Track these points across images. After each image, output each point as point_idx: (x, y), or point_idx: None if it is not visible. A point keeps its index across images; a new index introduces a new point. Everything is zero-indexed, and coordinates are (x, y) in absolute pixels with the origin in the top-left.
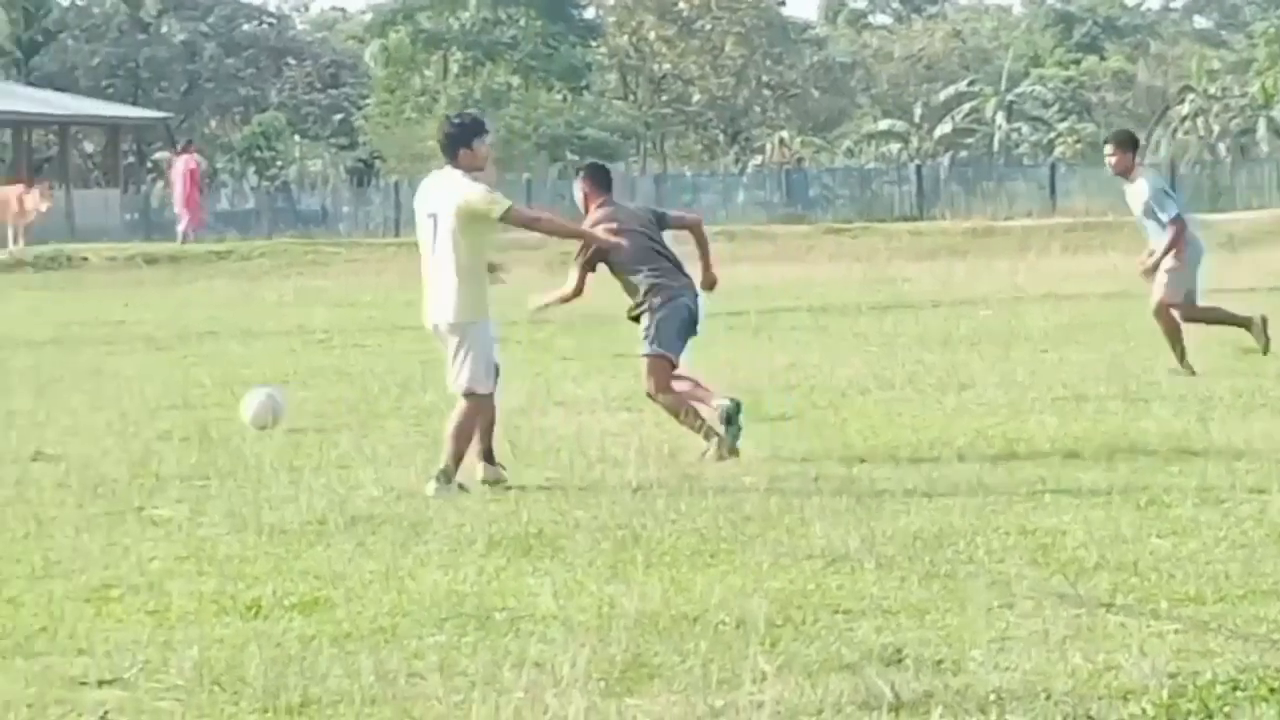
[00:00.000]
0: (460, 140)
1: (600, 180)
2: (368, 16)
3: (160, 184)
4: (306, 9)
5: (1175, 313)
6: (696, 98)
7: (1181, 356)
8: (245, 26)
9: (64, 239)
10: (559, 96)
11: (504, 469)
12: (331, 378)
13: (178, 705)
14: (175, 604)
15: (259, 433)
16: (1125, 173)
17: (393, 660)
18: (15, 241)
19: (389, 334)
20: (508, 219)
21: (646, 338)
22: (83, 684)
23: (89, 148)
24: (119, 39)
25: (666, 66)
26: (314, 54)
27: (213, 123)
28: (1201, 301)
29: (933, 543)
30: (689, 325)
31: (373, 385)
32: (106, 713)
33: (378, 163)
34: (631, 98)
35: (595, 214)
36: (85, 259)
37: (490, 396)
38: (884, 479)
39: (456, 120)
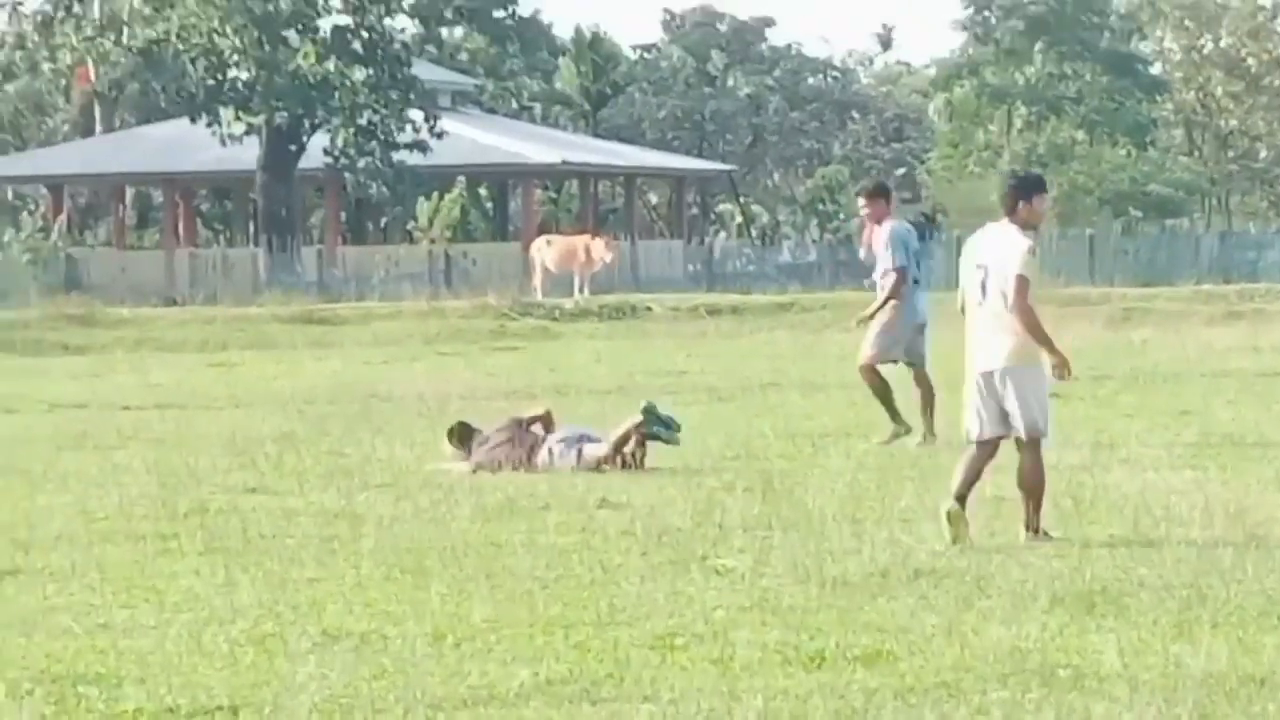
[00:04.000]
0: (1021, 194)
1: None
2: (932, 71)
3: (721, 234)
4: (871, 63)
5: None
6: (1264, 154)
7: (894, 415)
8: (810, 80)
9: (628, 289)
10: (1123, 152)
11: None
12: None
13: None
14: (739, 654)
15: (820, 485)
16: (880, 220)
17: (957, 715)
18: (581, 290)
19: (952, 388)
20: (1023, 308)
21: None
22: None
23: (654, 199)
24: (685, 92)
25: (1233, 123)
26: (878, 108)
27: (776, 175)
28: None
29: None
30: None
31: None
32: None
33: (940, 217)
34: (1197, 154)
35: None
36: (649, 309)
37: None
38: None
39: (1021, 175)
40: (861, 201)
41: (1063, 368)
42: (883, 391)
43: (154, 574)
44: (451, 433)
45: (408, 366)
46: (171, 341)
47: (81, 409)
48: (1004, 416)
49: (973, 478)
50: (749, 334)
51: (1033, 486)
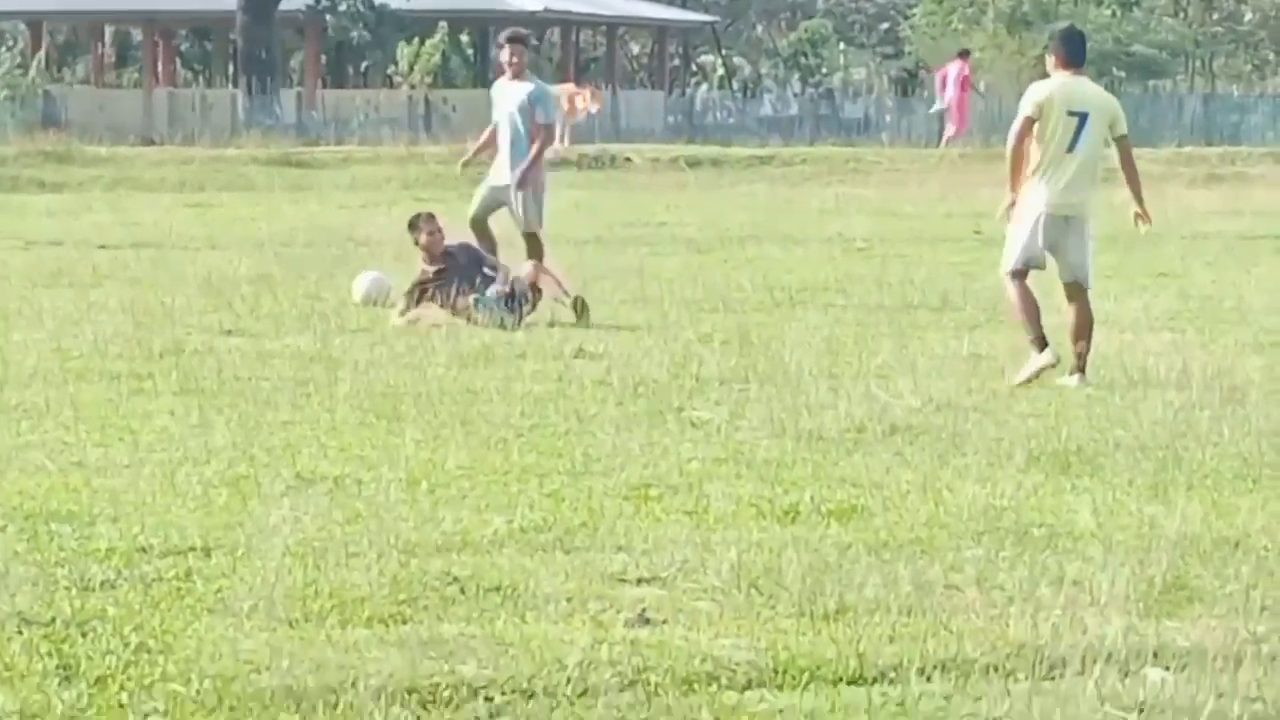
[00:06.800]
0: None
1: None
2: None
3: (703, 86)
4: None
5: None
6: (1249, 16)
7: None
8: None
9: (609, 139)
10: (1108, 11)
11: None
12: (870, 287)
13: (714, 606)
14: (713, 505)
15: (798, 339)
16: (520, 74)
17: (930, 572)
18: (562, 140)
19: (930, 245)
20: (1123, 143)
21: None
22: (621, 580)
23: (635, 49)
24: None
25: None
26: None
27: (759, 28)
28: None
29: None
30: None
31: (913, 295)
32: (644, 610)
33: (922, 73)
34: (1182, 15)
35: None
36: (629, 160)
37: None
38: None
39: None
40: (508, 52)
41: (1144, 217)
42: (492, 246)
43: (128, 413)
44: (414, 222)
45: (385, 211)
46: (149, 181)
47: (57, 246)
48: (1042, 254)
49: (1035, 312)
50: (728, 186)
51: (1088, 333)
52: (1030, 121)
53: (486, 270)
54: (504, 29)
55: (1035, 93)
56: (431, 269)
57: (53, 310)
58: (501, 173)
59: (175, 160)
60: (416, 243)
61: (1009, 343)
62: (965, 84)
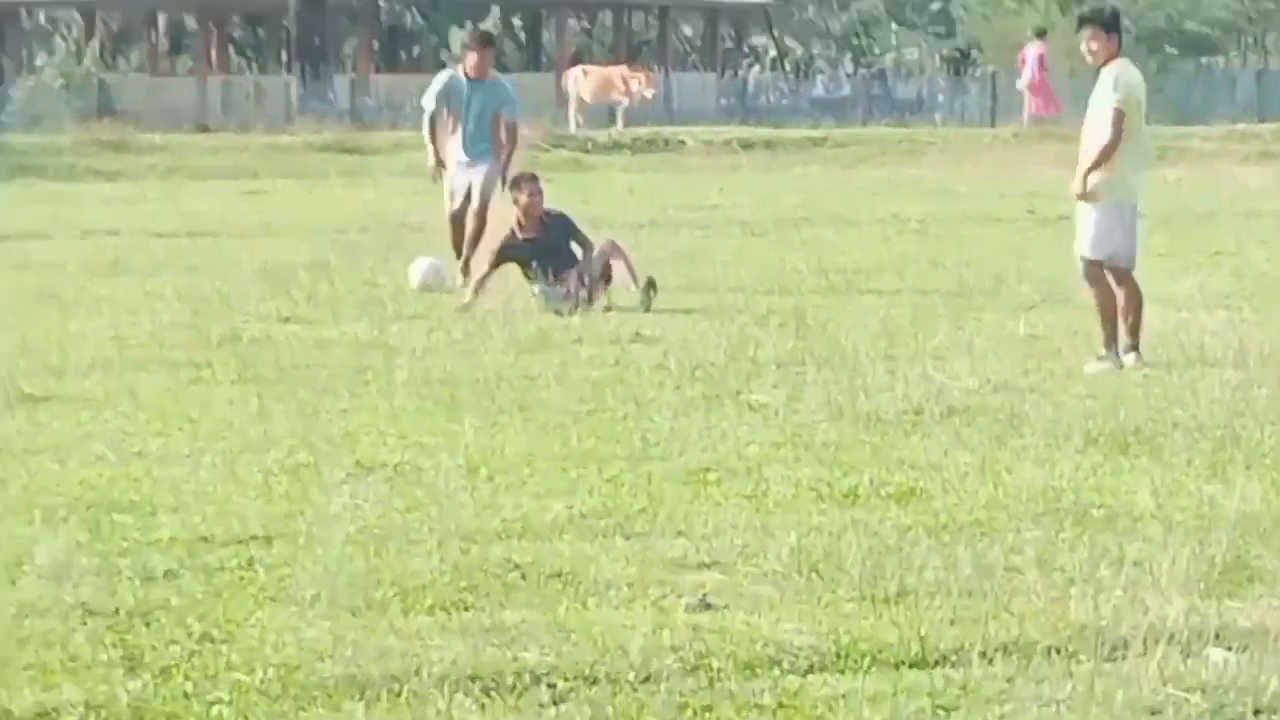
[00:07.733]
0: None
1: None
2: None
3: (755, 68)
4: None
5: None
6: None
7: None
8: None
9: (661, 122)
10: None
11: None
12: (925, 268)
13: (775, 591)
14: (772, 489)
15: (854, 321)
16: (485, 74)
17: (990, 554)
18: (616, 123)
19: (984, 225)
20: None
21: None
22: (682, 565)
23: (688, 31)
24: None
25: None
26: None
27: (811, 9)
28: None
29: None
30: None
31: (968, 276)
32: (705, 595)
33: (974, 52)
34: None
35: None
36: (682, 142)
37: None
38: None
39: None
40: (476, 56)
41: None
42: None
43: (187, 402)
44: (516, 181)
45: (439, 197)
46: (204, 169)
47: (114, 235)
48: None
49: (1114, 309)
50: (782, 168)
51: (1139, 311)
52: (1122, 114)
53: (575, 245)
54: (558, 12)
55: (1125, 83)
56: (521, 236)
57: (110, 299)
58: (456, 173)
59: (230, 147)
60: (515, 202)
61: (1065, 323)
62: (1042, 62)
